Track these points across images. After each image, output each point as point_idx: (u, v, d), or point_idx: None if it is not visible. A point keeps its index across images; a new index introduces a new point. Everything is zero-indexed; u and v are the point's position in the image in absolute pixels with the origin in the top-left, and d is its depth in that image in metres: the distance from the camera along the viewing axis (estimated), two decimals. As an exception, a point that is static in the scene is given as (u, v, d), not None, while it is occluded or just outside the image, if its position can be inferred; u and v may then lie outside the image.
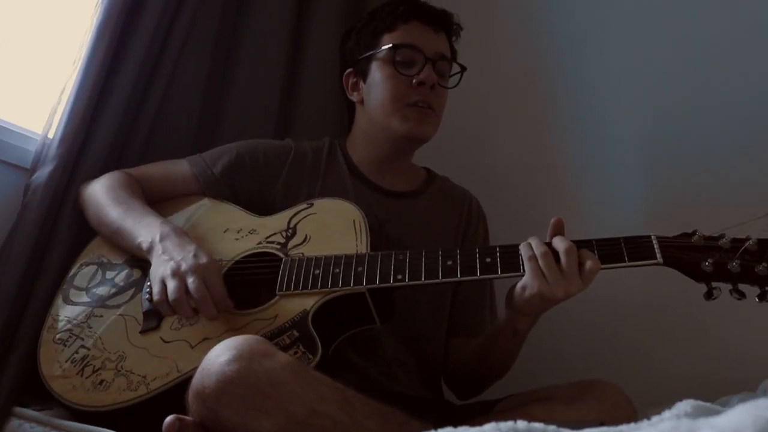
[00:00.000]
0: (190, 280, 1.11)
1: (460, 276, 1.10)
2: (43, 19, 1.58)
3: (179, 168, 1.40)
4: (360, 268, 1.14)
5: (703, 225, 1.10)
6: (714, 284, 1.07)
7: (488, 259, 1.10)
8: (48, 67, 1.54)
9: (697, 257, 1.07)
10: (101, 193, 1.32)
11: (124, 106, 1.44)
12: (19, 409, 1.23)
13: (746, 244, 1.07)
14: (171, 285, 1.11)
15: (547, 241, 1.10)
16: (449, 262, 1.11)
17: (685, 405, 0.69)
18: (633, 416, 1.08)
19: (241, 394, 0.88)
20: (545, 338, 1.58)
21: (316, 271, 1.16)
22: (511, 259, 1.10)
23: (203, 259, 1.14)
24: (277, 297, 1.17)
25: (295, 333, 1.10)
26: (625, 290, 1.56)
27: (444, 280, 1.11)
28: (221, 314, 1.15)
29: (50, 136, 1.40)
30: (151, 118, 1.55)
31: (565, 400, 1.09)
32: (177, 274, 1.12)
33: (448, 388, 1.44)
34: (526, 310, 1.12)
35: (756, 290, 1.06)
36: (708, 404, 0.61)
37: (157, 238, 1.20)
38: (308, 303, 1.14)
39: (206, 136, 1.68)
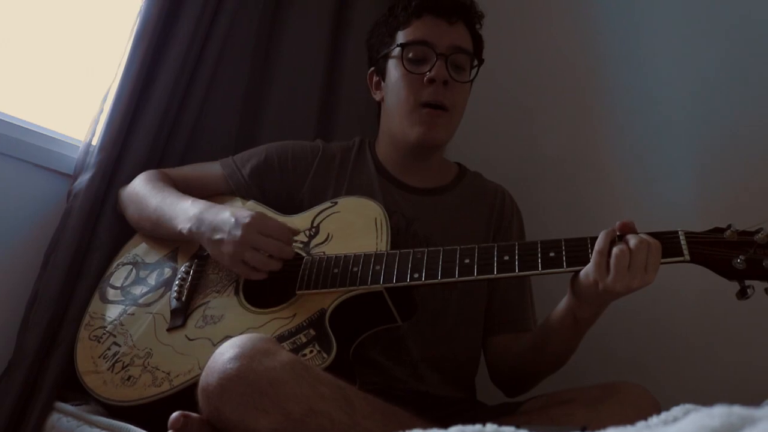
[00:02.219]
0: (254, 240, 1.15)
1: (477, 275, 1.08)
2: (87, 29, 1.65)
3: (212, 170, 1.43)
4: (378, 267, 1.13)
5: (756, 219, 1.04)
6: (748, 282, 1.01)
7: (506, 257, 1.08)
8: (92, 77, 1.61)
9: (728, 254, 1.01)
10: (140, 187, 1.37)
11: (162, 113, 1.49)
12: (59, 404, 1.29)
13: (786, 240, 1.00)
14: (247, 257, 1.16)
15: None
16: (467, 261, 1.09)
17: (678, 410, 0.65)
18: (660, 421, 1.03)
19: (241, 392, 0.89)
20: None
21: (335, 270, 1.16)
22: (529, 257, 1.06)
23: (244, 217, 1.17)
24: (297, 296, 1.17)
25: (312, 332, 1.11)
26: (684, 284, 1.48)
27: (460, 278, 1.08)
28: (244, 313, 1.17)
29: (93, 143, 1.46)
30: (191, 124, 1.60)
31: (586, 403, 1.05)
32: (239, 245, 1.16)
33: (496, 386, 1.40)
34: (588, 298, 1.07)
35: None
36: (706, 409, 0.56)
37: (195, 223, 1.23)
38: (326, 302, 1.14)
39: (246, 141, 1.71)
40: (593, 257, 1.01)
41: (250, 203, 1.38)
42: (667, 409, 1.11)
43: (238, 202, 1.39)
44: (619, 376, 1.44)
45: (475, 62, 1.41)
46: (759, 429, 0.40)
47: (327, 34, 1.89)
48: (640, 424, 0.58)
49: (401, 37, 1.37)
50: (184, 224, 1.25)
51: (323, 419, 0.90)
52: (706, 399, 1.24)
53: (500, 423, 1.10)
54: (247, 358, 0.91)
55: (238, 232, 1.16)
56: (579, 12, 1.92)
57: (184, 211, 1.26)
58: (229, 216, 1.19)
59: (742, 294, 1.01)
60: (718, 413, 0.45)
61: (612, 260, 1.00)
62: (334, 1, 1.90)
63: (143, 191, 1.36)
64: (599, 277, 1.00)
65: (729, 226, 1.03)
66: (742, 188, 1.53)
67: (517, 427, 0.68)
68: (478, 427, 0.56)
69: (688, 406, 0.63)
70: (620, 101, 1.80)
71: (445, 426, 0.94)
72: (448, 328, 1.34)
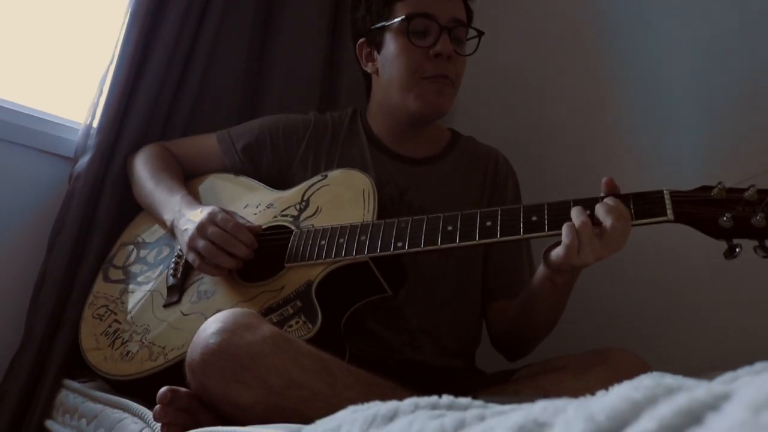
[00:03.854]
0: (209, 232, 1.17)
1: (459, 241, 1.07)
2: (83, 12, 1.67)
3: (209, 144, 1.46)
4: (363, 237, 1.13)
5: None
6: (736, 241, 0.98)
7: (488, 223, 1.06)
8: (90, 59, 1.63)
9: (715, 211, 0.98)
10: (140, 167, 1.41)
11: (156, 91, 1.51)
12: (67, 381, 1.34)
13: (776, 195, 0.97)
14: (199, 246, 1.17)
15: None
16: (449, 228, 1.08)
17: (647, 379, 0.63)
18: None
19: (222, 366, 0.91)
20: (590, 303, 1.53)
21: (322, 242, 1.17)
22: (511, 222, 1.05)
23: (207, 211, 1.20)
24: (286, 269, 1.18)
25: (298, 303, 1.12)
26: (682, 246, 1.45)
27: (443, 246, 1.08)
28: (235, 287, 1.19)
29: (94, 125, 1.48)
30: (191, 98, 1.61)
31: (576, 371, 1.04)
32: (197, 235, 1.18)
33: (498, 351, 1.40)
34: (559, 268, 1.07)
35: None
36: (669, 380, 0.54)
37: (175, 216, 1.28)
38: (313, 273, 1.14)
39: (249, 113, 1.73)
40: (563, 230, 0.99)
41: (242, 178, 1.40)
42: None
43: (230, 179, 1.41)
44: (617, 340, 1.43)
45: (472, 34, 1.40)
46: (677, 400, 0.39)
47: (327, 9, 1.88)
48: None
49: (401, 8, 1.34)
50: (168, 215, 1.30)
51: (304, 391, 0.91)
52: (700, 361, 1.23)
53: (490, 392, 1.11)
54: (228, 333, 0.93)
55: (198, 221, 1.18)
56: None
57: (171, 204, 1.30)
58: (199, 212, 1.21)
59: (730, 252, 0.97)
60: (645, 384, 0.44)
61: (580, 233, 0.98)
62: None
63: (142, 173, 1.40)
64: (569, 258, 0.99)
65: (719, 183, 1.00)
66: (749, 151, 1.48)
67: (475, 398, 0.68)
68: (434, 398, 0.56)
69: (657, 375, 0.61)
70: (627, 66, 1.75)
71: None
72: (446, 295, 1.34)
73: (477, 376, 1.30)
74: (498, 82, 2.00)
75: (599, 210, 1.00)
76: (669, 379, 0.47)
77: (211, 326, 0.95)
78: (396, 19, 1.33)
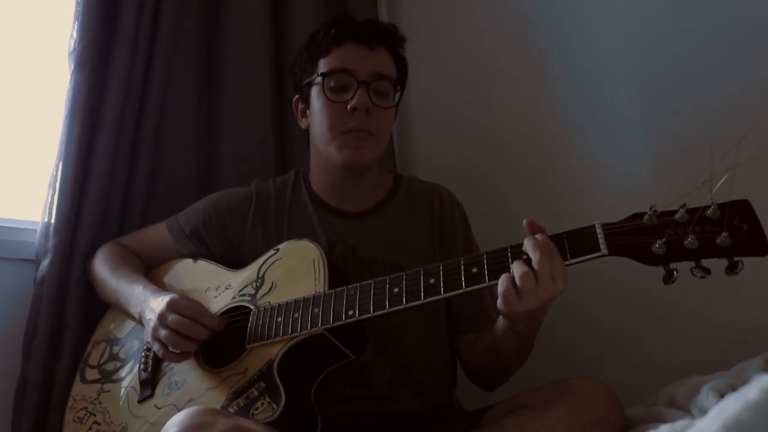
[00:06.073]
0: (170, 319, 1.18)
1: (406, 303, 1.08)
2: (24, 110, 1.69)
3: (161, 235, 1.47)
4: (316, 310, 1.15)
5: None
6: (673, 265, 0.98)
7: (432, 280, 1.08)
8: (38, 159, 1.65)
9: (648, 240, 0.98)
10: (99, 268, 1.44)
11: (107, 184, 1.53)
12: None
13: (706, 213, 0.97)
14: (161, 335, 1.19)
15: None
16: (396, 290, 1.10)
17: None
18: (611, 416, 1.02)
19: None
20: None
21: (279, 319, 1.18)
22: (453, 277, 1.06)
23: (167, 299, 1.22)
24: (248, 350, 1.20)
25: (262, 384, 1.13)
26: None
27: (391, 309, 1.09)
28: (203, 374, 1.21)
29: (52, 221, 1.49)
30: (145, 180, 1.63)
31: (537, 407, 1.05)
32: (159, 325, 1.20)
33: (472, 383, 1.40)
34: (509, 317, 1.08)
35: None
36: None
37: (141, 308, 1.29)
38: (273, 352, 1.16)
39: (206, 182, 1.75)
40: (500, 281, 1.00)
41: (200, 262, 1.41)
42: (625, 396, 1.12)
43: (188, 264, 1.42)
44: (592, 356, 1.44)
45: (398, 87, 1.41)
46: None
47: (267, 61, 1.90)
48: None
49: (322, 65, 1.36)
50: (134, 308, 1.32)
51: None
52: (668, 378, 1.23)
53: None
54: None
55: (158, 311, 1.20)
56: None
57: (135, 296, 1.32)
58: (161, 299, 1.23)
59: (669, 277, 0.98)
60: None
61: (518, 284, 0.98)
62: (269, 21, 1.91)
63: (102, 273, 1.42)
64: (510, 306, 1.00)
65: (652, 208, 1.00)
66: (696, 151, 1.49)
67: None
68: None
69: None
70: (569, 76, 1.76)
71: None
72: (414, 340, 1.35)
73: (455, 416, 1.30)
74: (441, 111, 2.04)
75: (527, 245, 1.01)
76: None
77: (169, 430, 0.97)
78: (316, 76, 1.36)
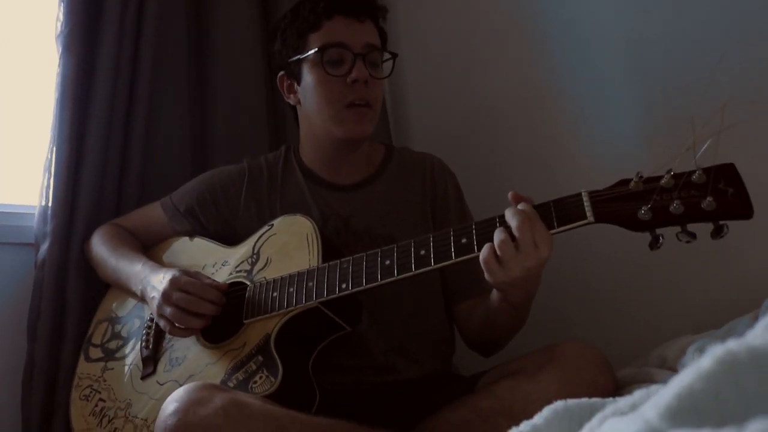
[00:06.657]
0: (175, 297, 1.21)
1: (397, 275, 1.10)
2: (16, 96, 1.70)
3: (156, 214, 1.48)
4: (311, 283, 1.17)
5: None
6: (659, 231, 0.99)
7: (422, 252, 1.09)
8: (33, 143, 1.66)
9: (633, 206, 0.99)
10: (97, 248, 1.46)
11: (101, 166, 1.54)
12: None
13: (692, 178, 0.98)
14: (167, 312, 1.23)
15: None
16: (387, 262, 1.11)
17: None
18: (600, 378, 1.05)
19: None
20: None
21: (274, 294, 1.20)
22: (443, 248, 1.07)
23: (168, 276, 1.24)
24: (245, 325, 1.22)
25: (260, 358, 1.15)
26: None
27: (383, 281, 1.11)
28: (203, 350, 1.23)
29: (50, 205, 1.51)
30: (139, 164, 1.64)
31: (529, 373, 1.08)
32: (163, 303, 1.23)
33: (471, 350, 1.43)
34: (498, 288, 1.10)
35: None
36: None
37: (142, 285, 1.32)
38: (270, 326, 1.18)
39: (201, 161, 1.76)
40: (482, 250, 1.01)
41: (197, 240, 1.43)
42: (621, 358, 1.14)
43: (184, 242, 1.44)
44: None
45: (387, 56, 1.41)
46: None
47: (259, 36, 1.89)
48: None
49: (315, 40, 1.36)
50: (136, 286, 1.34)
51: None
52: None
53: (454, 407, 1.14)
54: (182, 412, 0.97)
55: (161, 289, 1.23)
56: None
57: (136, 274, 1.35)
58: (162, 276, 1.25)
59: (655, 242, 0.99)
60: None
61: (498, 253, 0.99)
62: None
63: (101, 253, 1.44)
64: (495, 276, 1.01)
65: (637, 174, 1.01)
66: (683, 120, 1.48)
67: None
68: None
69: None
70: (560, 46, 1.75)
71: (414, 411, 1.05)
72: (409, 310, 1.36)
73: (452, 382, 1.33)
74: (433, 82, 2.03)
75: (507, 214, 1.02)
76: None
77: (168, 406, 1.00)
78: (310, 52, 1.35)
